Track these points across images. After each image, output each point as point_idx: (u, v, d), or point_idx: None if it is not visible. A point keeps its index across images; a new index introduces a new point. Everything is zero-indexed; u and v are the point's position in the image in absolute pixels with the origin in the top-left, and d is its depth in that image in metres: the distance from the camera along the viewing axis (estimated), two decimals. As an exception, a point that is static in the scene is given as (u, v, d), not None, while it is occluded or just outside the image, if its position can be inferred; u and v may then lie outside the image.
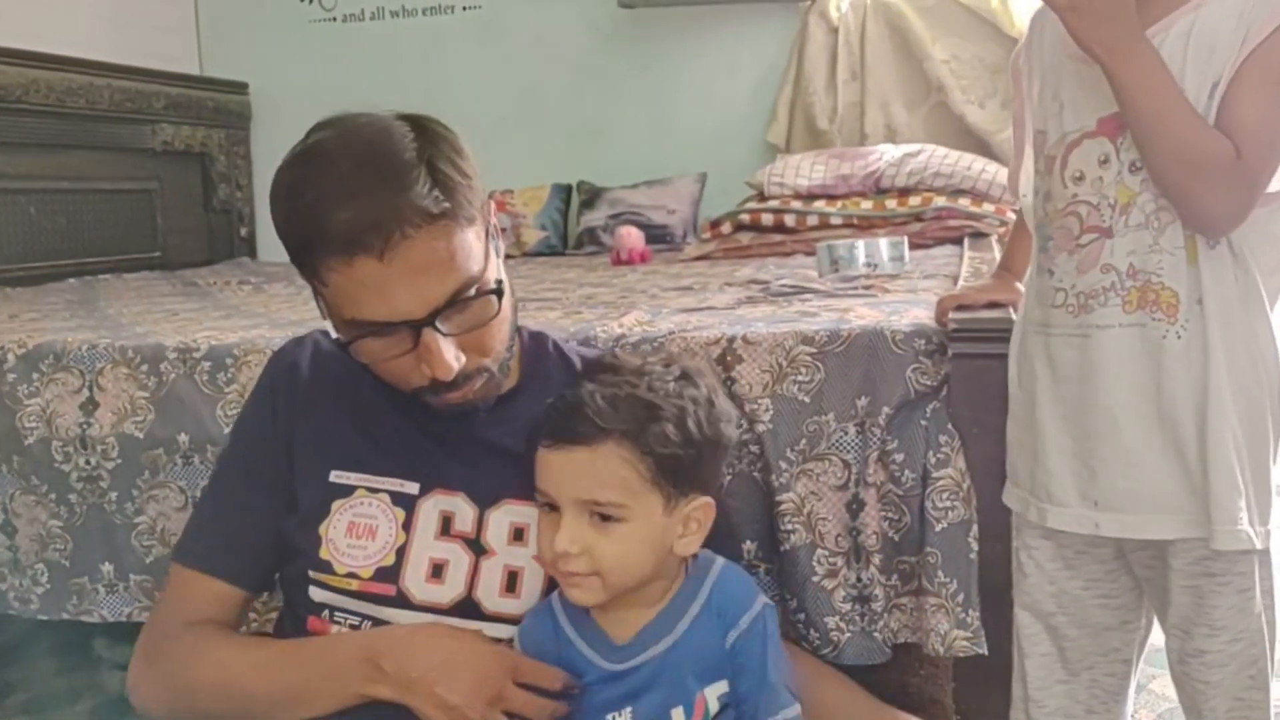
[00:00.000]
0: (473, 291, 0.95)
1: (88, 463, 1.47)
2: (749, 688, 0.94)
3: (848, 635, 1.25)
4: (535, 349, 1.12)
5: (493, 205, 1.03)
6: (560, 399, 0.95)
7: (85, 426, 1.47)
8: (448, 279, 0.92)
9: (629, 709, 0.94)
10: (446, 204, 0.91)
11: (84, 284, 2.78)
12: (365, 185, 0.89)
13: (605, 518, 0.92)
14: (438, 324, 0.93)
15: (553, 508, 0.94)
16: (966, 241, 2.48)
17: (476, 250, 0.95)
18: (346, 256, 0.90)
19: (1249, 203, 0.95)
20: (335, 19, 3.81)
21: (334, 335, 0.98)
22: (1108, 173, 1.00)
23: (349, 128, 0.94)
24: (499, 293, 0.97)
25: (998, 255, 1.95)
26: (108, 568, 1.47)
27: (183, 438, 1.45)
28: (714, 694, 0.95)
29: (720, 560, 0.99)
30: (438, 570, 1.02)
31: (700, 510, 0.95)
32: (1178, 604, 1.03)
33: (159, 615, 1.08)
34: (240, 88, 3.81)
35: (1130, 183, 0.99)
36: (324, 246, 0.91)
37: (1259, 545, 0.97)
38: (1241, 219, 0.96)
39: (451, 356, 0.94)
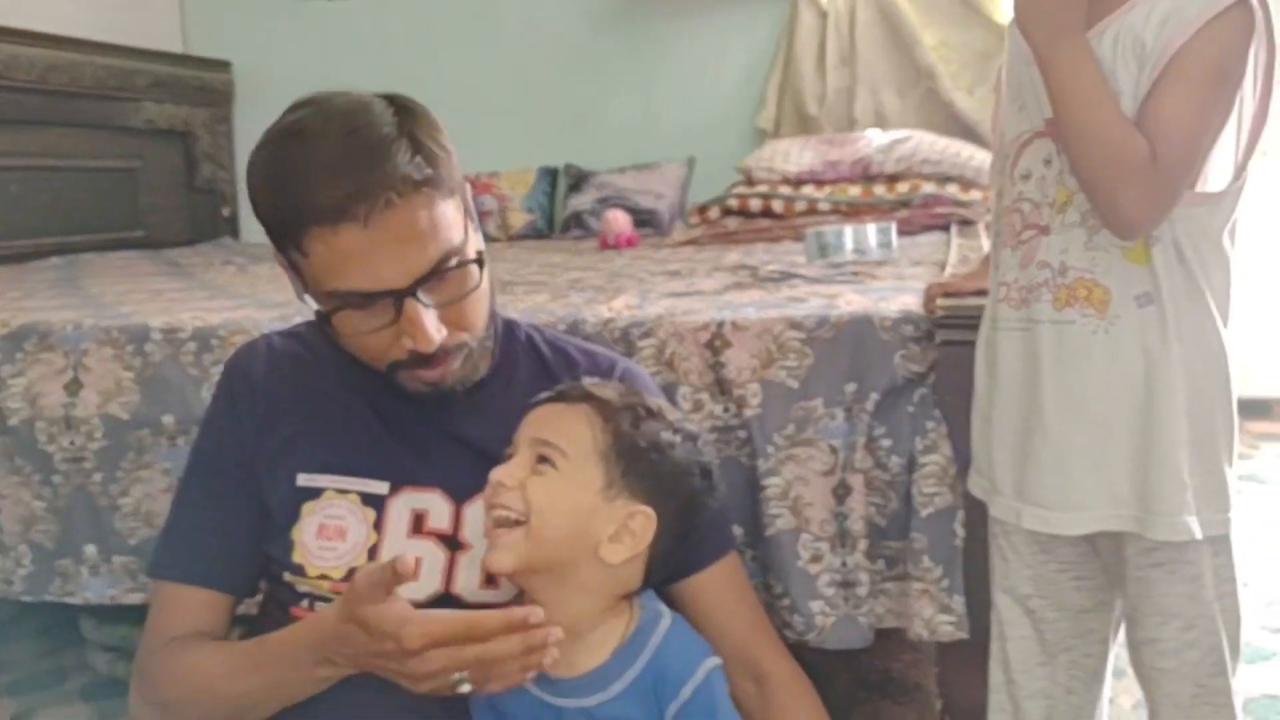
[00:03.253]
0: (454, 262, 0.95)
1: (72, 443, 1.46)
2: None
3: (832, 620, 1.26)
4: (507, 338, 1.12)
5: (469, 187, 1.03)
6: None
7: (70, 407, 1.46)
8: (430, 248, 0.93)
9: None
10: (429, 171, 0.92)
11: (67, 263, 2.75)
12: (348, 157, 0.90)
13: (544, 459, 0.92)
14: (420, 294, 0.93)
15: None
16: (954, 228, 2.49)
17: (457, 223, 0.96)
18: (331, 225, 0.90)
19: (1162, 204, 0.96)
20: (322, -3, 3.78)
21: (314, 307, 0.98)
22: (1050, 172, 1.03)
23: (327, 105, 0.95)
24: (480, 263, 0.97)
25: (985, 243, 1.96)
26: (92, 549, 1.46)
27: (168, 419, 1.44)
28: None
29: (668, 618, 0.96)
30: None
31: (638, 520, 0.93)
32: (1130, 593, 1.06)
33: (146, 636, 1.06)
34: (224, 67, 3.78)
35: (1069, 182, 1.01)
36: (308, 218, 0.91)
37: (1199, 535, 0.99)
38: (1156, 221, 0.97)
39: (433, 328, 0.94)
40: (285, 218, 0.93)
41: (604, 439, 0.93)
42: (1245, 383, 1.04)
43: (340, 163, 0.90)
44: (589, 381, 0.99)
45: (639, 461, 0.93)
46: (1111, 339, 1.00)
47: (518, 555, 0.91)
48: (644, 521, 0.93)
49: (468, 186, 1.02)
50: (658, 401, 1.00)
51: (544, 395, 0.98)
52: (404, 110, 0.96)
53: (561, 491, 0.91)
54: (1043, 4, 0.98)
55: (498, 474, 0.93)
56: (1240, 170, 1.01)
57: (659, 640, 0.94)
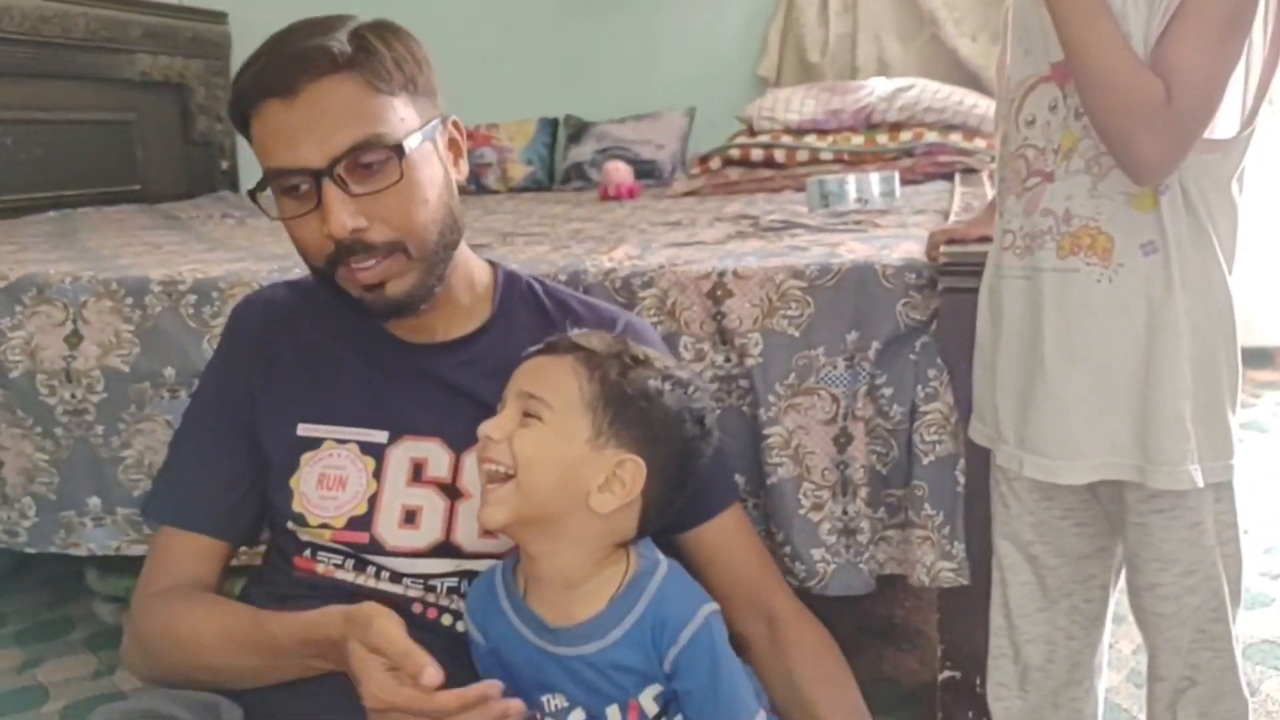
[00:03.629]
0: (378, 153, 0.95)
1: (73, 396, 1.46)
2: (700, 705, 0.92)
3: (833, 567, 1.27)
4: (507, 288, 1.11)
5: (449, 122, 1.03)
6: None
7: (70, 360, 1.46)
8: (349, 130, 0.93)
9: (561, 694, 0.93)
10: (354, 55, 0.94)
11: (63, 216, 2.74)
12: (288, 41, 0.96)
13: (530, 414, 0.92)
14: (341, 178, 0.93)
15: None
16: (958, 177, 2.47)
17: (392, 119, 0.95)
18: (258, 100, 0.94)
19: (1179, 148, 0.94)
20: (316, -55, 3.72)
21: (254, 193, 0.99)
22: (1055, 118, 1.01)
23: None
24: (400, 152, 0.95)
25: (989, 191, 1.94)
26: (95, 501, 1.47)
27: (169, 371, 1.44)
28: (649, 696, 0.94)
29: (665, 565, 0.96)
30: (410, 516, 1.02)
31: (627, 468, 0.92)
32: (1130, 538, 1.06)
33: (141, 581, 1.06)
34: (220, 18, 3.72)
35: (1074, 128, 1.00)
36: (246, 99, 0.95)
37: (1200, 483, 0.99)
38: (1173, 165, 0.95)
39: (347, 214, 0.94)
40: (236, 106, 0.97)
41: (590, 388, 0.92)
42: (1247, 332, 1.04)
43: (280, 46, 0.95)
44: (576, 332, 0.98)
45: (627, 409, 0.93)
46: (1115, 288, 0.99)
47: (508, 510, 0.90)
48: (633, 469, 0.92)
49: (445, 119, 1.03)
50: (646, 350, 0.98)
51: (533, 349, 0.97)
52: (377, 21, 0.99)
53: (548, 443, 0.91)
54: None
55: (485, 428, 0.92)
56: (1251, 117, 0.99)
57: (656, 587, 0.94)
